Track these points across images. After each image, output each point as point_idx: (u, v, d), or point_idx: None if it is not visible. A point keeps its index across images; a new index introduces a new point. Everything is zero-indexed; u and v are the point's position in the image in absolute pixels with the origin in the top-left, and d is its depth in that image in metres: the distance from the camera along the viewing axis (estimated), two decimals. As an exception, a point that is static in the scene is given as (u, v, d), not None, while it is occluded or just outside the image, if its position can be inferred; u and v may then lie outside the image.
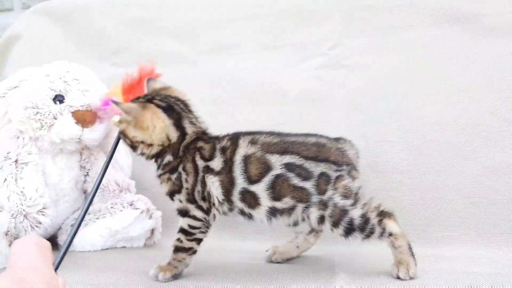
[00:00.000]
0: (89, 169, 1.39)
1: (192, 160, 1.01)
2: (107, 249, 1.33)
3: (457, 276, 0.98)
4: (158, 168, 1.05)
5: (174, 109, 1.03)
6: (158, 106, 1.02)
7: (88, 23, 1.93)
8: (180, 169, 1.01)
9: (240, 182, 0.98)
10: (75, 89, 1.30)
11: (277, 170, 0.96)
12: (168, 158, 1.02)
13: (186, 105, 1.07)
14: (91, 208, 1.35)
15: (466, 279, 0.96)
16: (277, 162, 0.96)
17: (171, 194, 1.03)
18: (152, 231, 1.37)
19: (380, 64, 1.57)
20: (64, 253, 0.70)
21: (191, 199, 1.01)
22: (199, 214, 1.01)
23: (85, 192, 1.41)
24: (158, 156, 1.04)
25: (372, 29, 1.61)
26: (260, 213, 0.99)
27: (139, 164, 1.62)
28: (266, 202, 0.98)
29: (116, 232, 1.31)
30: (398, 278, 0.97)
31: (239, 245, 1.35)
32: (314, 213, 0.97)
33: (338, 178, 0.97)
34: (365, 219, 0.96)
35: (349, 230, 0.96)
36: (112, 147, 1.10)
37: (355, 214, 0.96)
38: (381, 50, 1.58)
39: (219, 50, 1.75)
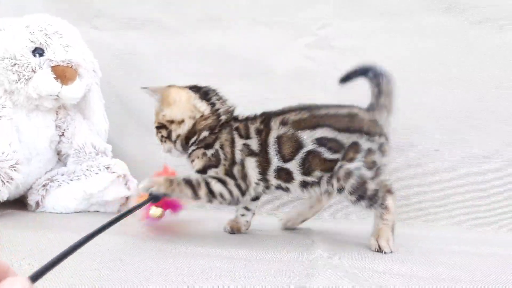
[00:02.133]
0: (64, 129, 1.34)
1: (231, 139, 1.03)
2: (80, 212, 1.29)
3: (435, 254, 1.00)
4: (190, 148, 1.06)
5: (199, 87, 1.09)
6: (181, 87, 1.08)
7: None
8: (217, 146, 1.02)
9: (275, 162, 1.01)
10: (56, 43, 1.25)
11: (308, 146, 0.99)
12: (204, 134, 1.04)
13: (212, 89, 1.12)
14: (65, 169, 1.32)
15: (451, 257, 0.98)
16: (309, 138, 1.00)
17: (205, 169, 1.02)
18: (127, 197, 1.34)
19: (371, 47, 1.57)
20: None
21: (230, 175, 1.01)
22: (235, 191, 1.01)
23: (59, 153, 1.36)
24: (192, 135, 1.05)
25: (365, 13, 1.60)
26: (294, 186, 1.03)
27: (117, 130, 1.59)
28: (298, 177, 1.01)
29: (90, 195, 1.27)
30: (378, 249, 0.98)
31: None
32: (337, 182, 1.00)
33: (369, 151, 0.99)
34: (376, 193, 1.00)
35: (359, 199, 1.00)
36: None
37: (370, 187, 0.99)
38: (373, 34, 1.58)
39: (207, 22, 1.71)
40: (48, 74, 1.22)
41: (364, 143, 1.00)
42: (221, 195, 1.01)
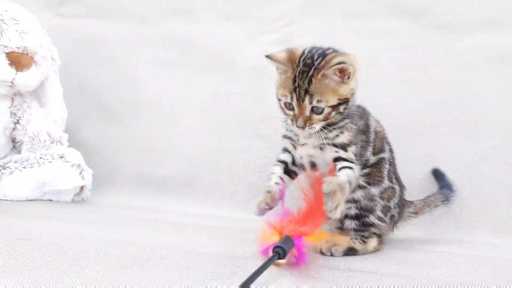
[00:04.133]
0: (20, 117, 1.32)
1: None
2: (32, 200, 1.28)
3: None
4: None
5: None
6: None
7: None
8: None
9: (369, 149, 1.02)
10: (12, 30, 1.24)
11: (385, 155, 1.04)
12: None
13: None
14: (18, 157, 1.31)
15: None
16: (388, 149, 1.06)
17: (350, 143, 0.96)
18: (82, 187, 1.33)
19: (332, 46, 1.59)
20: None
21: (357, 154, 0.99)
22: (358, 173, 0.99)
23: (13, 140, 1.35)
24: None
25: (330, 13, 1.63)
26: None
27: (77, 120, 1.58)
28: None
29: (43, 183, 1.26)
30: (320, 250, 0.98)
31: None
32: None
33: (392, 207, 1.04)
34: (370, 225, 1.01)
35: (355, 218, 1.01)
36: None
37: (371, 218, 1.01)
38: (335, 34, 1.60)
39: (175, 13, 1.71)
40: (2, 60, 1.20)
41: (398, 197, 1.05)
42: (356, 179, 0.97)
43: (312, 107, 0.90)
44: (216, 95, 1.61)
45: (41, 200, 1.29)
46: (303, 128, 0.92)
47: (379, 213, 1.01)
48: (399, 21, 1.57)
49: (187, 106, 1.61)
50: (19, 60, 1.23)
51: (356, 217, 1.00)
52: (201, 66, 1.65)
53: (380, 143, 1.05)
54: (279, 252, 0.80)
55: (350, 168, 0.94)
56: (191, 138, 1.56)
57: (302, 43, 1.58)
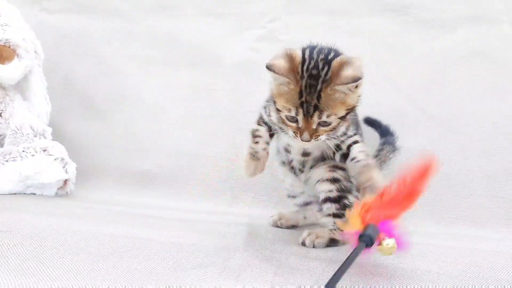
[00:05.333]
0: (2, 110, 1.32)
1: None
2: (15, 194, 1.27)
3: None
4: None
5: None
6: None
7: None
8: None
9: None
10: (-7, 22, 1.23)
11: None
12: None
13: None
14: (0, 150, 1.30)
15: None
16: None
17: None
18: (65, 181, 1.32)
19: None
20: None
21: None
22: None
23: (-4, 134, 1.34)
24: None
25: (313, 10, 1.63)
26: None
27: (61, 114, 1.57)
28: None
29: (26, 177, 1.26)
30: (303, 243, 0.98)
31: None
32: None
33: None
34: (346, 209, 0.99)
35: (335, 201, 1.00)
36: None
37: (350, 200, 1.00)
38: (319, 30, 1.61)
39: (159, 9, 1.70)
40: (-17, 53, 1.20)
41: None
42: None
43: (320, 121, 0.86)
44: (200, 91, 1.61)
45: (24, 193, 1.29)
46: (309, 141, 0.88)
47: (355, 193, 1.01)
48: (381, 18, 1.58)
49: (171, 102, 1.62)
50: (0, 53, 1.22)
51: (337, 200, 0.99)
52: (185, 62, 1.65)
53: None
54: (366, 241, 0.75)
55: (356, 142, 0.97)
56: (175, 133, 1.56)
57: (287, 39, 1.61)
